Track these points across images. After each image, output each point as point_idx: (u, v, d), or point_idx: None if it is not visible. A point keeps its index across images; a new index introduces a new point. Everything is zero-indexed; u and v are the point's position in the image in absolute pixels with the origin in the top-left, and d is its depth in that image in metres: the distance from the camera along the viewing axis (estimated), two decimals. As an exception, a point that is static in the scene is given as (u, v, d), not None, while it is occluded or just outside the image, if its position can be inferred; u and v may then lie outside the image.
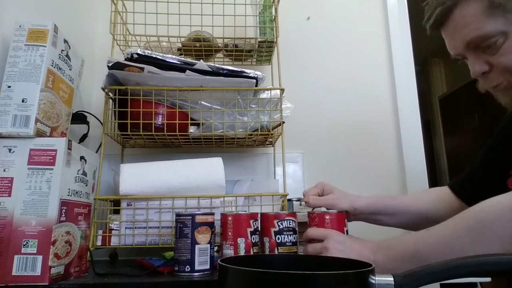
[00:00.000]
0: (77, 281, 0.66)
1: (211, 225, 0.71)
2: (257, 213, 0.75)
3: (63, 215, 0.66)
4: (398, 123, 1.30)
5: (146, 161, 0.91)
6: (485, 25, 0.62)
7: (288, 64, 1.29)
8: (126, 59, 0.89)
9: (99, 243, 0.83)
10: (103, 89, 0.92)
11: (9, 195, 0.63)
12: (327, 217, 0.70)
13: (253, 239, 0.72)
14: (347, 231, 0.71)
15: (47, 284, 0.61)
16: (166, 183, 0.85)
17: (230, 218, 0.73)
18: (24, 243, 0.61)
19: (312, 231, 0.68)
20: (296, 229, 0.73)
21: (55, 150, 0.66)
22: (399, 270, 0.44)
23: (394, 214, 0.79)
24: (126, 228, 0.83)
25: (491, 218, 0.53)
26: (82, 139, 0.98)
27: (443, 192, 0.82)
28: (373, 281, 0.42)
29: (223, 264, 0.46)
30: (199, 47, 1.10)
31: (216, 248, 0.78)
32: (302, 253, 0.72)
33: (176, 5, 1.03)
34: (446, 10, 0.66)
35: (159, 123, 0.92)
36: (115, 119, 0.96)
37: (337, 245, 0.62)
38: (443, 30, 0.70)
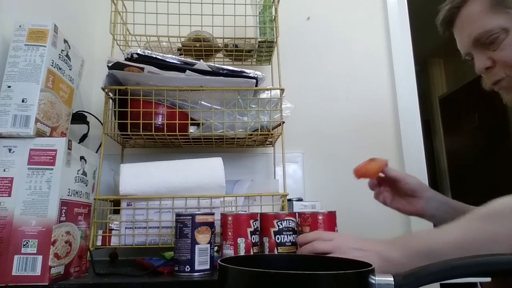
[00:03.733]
0: (77, 281, 0.66)
1: (211, 225, 0.71)
2: (257, 213, 0.76)
3: (63, 215, 0.66)
4: (398, 123, 1.30)
5: (146, 161, 0.91)
6: (488, 22, 0.66)
7: (288, 64, 1.29)
8: (126, 59, 0.89)
9: (99, 243, 0.83)
10: (103, 89, 0.92)
11: (9, 195, 0.63)
12: (319, 217, 0.71)
13: (253, 239, 0.72)
14: (337, 230, 0.72)
15: (47, 284, 0.61)
16: (166, 183, 0.85)
17: (230, 218, 0.73)
18: (24, 243, 0.61)
19: (321, 233, 0.66)
20: (296, 229, 0.74)
21: (55, 150, 0.66)
22: (415, 266, 0.44)
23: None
24: (126, 228, 0.83)
25: (504, 214, 0.53)
26: (82, 139, 0.98)
27: None
28: (373, 281, 0.42)
29: (223, 264, 0.46)
30: (199, 47, 1.10)
31: (216, 248, 0.78)
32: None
33: (176, 5, 1.03)
34: (454, 8, 0.70)
35: (159, 123, 0.92)
36: (115, 119, 0.96)
37: (350, 242, 0.60)
38: (454, 29, 0.73)
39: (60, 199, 0.65)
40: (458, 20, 0.71)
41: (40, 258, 0.61)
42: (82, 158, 0.74)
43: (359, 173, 0.80)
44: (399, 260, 0.56)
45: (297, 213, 0.75)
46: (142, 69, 0.88)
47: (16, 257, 0.61)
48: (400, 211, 0.83)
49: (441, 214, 0.79)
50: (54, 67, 0.73)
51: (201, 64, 0.89)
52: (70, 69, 0.79)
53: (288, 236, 0.72)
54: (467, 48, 0.71)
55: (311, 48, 1.34)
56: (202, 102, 0.95)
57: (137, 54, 0.88)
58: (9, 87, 0.67)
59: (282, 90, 0.97)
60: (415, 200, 0.80)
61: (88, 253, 0.76)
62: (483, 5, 0.67)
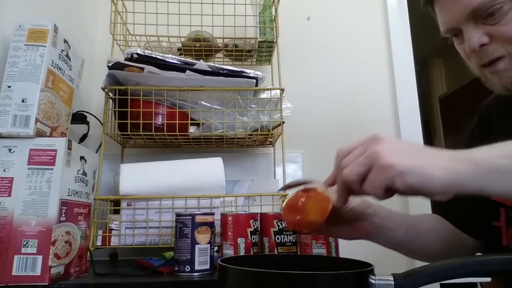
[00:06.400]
0: (77, 281, 0.66)
1: (211, 225, 0.71)
2: (257, 213, 0.76)
3: (63, 215, 0.66)
4: (398, 123, 1.30)
5: (146, 161, 0.91)
6: None
7: (288, 64, 1.29)
8: (126, 59, 0.89)
9: (99, 243, 0.83)
10: (103, 89, 0.92)
11: (9, 195, 0.63)
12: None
13: (253, 239, 0.72)
14: None
15: (47, 284, 0.61)
16: (166, 183, 0.85)
17: (230, 218, 0.73)
18: (24, 243, 0.61)
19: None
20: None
21: (55, 150, 0.66)
22: (492, 185, 0.41)
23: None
24: (126, 228, 0.83)
25: None
26: (82, 139, 0.98)
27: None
28: (373, 281, 0.42)
29: (223, 264, 0.46)
30: (199, 47, 1.10)
31: (216, 248, 0.78)
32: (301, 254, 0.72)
33: (176, 5, 1.03)
34: None
35: (159, 123, 0.92)
36: (115, 119, 0.96)
37: (395, 145, 0.44)
38: (438, 2, 0.63)
39: (60, 199, 0.65)
40: None
41: (40, 258, 0.61)
42: (82, 158, 0.74)
43: (294, 224, 0.56)
44: (468, 175, 0.42)
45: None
46: (142, 69, 0.88)
47: (16, 257, 0.61)
48: (342, 238, 0.63)
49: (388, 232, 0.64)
50: (54, 67, 0.73)
51: (201, 64, 0.89)
52: (70, 69, 0.79)
53: (288, 236, 0.72)
54: (456, 23, 0.61)
55: (311, 48, 1.34)
56: (202, 102, 0.95)
57: (137, 54, 0.88)
58: (9, 87, 0.67)
59: (282, 90, 0.97)
60: (361, 224, 0.60)
61: (88, 253, 0.76)
62: None
